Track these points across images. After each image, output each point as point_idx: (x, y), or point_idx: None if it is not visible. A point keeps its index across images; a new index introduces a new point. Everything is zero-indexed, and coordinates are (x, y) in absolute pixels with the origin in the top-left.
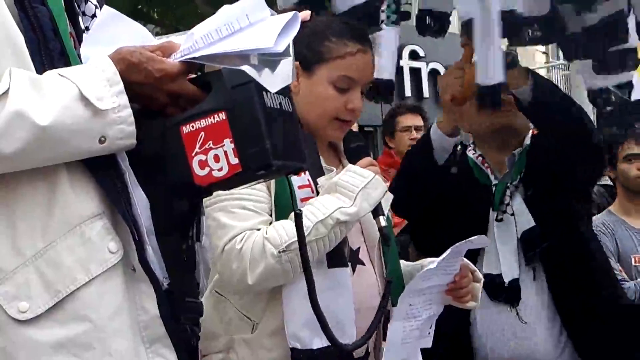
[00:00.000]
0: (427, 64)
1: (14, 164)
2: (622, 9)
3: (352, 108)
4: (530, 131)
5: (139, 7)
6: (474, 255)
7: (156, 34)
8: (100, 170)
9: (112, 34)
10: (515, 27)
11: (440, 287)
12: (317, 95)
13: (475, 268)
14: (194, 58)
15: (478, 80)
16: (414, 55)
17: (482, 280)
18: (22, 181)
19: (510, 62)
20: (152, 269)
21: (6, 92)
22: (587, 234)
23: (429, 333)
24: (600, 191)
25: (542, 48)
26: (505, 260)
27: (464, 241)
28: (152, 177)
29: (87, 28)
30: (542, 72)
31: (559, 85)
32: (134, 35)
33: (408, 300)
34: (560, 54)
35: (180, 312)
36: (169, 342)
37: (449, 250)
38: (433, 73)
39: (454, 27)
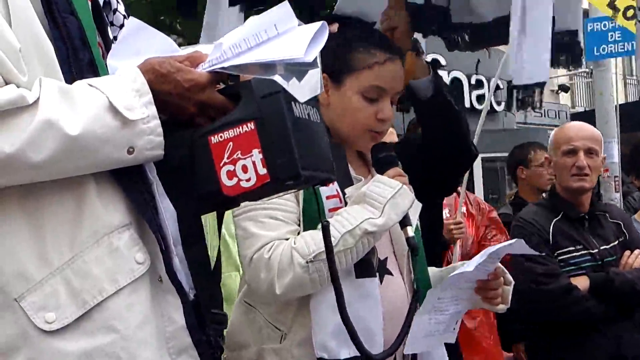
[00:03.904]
0: (449, 73)
1: (44, 173)
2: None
3: (383, 118)
4: None
5: (162, 17)
6: None
7: (179, 45)
8: (127, 180)
9: (138, 45)
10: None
11: (470, 284)
12: (347, 106)
13: (506, 271)
14: (223, 68)
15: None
16: (435, 64)
17: (513, 283)
18: (49, 192)
19: (415, 49)
20: (179, 279)
21: (36, 102)
22: None
23: (454, 329)
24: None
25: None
26: None
27: (502, 245)
28: (179, 187)
29: (115, 38)
30: (565, 80)
31: (581, 93)
32: (160, 46)
33: (437, 293)
34: (584, 62)
35: (205, 323)
36: (195, 353)
37: (487, 255)
38: (454, 82)
39: None
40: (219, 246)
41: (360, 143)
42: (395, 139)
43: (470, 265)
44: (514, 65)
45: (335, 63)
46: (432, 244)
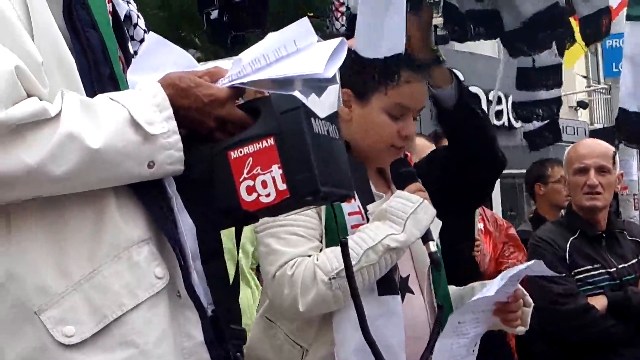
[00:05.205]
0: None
1: (65, 186)
2: (556, 1)
3: (406, 135)
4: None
5: (180, 32)
6: None
7: (198, 59)
8: (147, 195)
9: (157, 60)
10: (457, 22)
11: (490, 306)
12: (372, 123)
13: (526, 293)
14: (242, 83)
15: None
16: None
17: (532, 305)
18: (70, 206)
19: (437, 59)
20: (197, 294)
21: (58, 115)
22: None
23: (474, 351)
24: None
25: (582, 72)
26: None
27: (522, 267)
28: (199, 202)
29: (135, 53)
30: (583, 97)
31: (600, 109)
32: (179, 61)
33: (457, 317)
34: (602, 77)
35: (224, 338)
36: None
37: (507, 278)
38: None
39: (493, 49)
40: (237, 261)
41: (383, 158)
42: None
43: (490, 290)
44: (366, 41)
45: (361, 80)
46: (455, 259)
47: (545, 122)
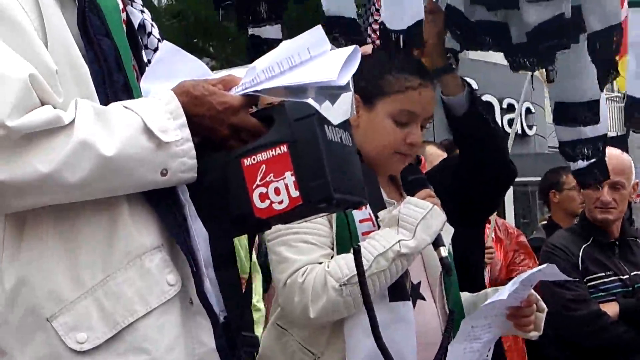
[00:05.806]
0: (480, 97)
1: (79, 193)
2: (562, 12)
3: (412, 142)
4: None
5: (195, 40)
6: None
7: (212, 68)
8: (160, 202)
9: (171, 68)
10: (460, 27)
11: (503, 311)
12: (377, 129)
13: (539, 298)
14: (256, 91)
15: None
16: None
17: (546, 310)
18: (84, 213)
19: (448, 67)
20: (209, 301)
21: (72, 122)
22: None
23: (487, 356)
24: None
25: None
26: None
27: (534, 271)
28: (211, 209)
29: (149, 61)
30: None
31: (614, 118)
32: (193, 69)
33: (470, 322)
34: (616, 86)
35: (236, 345)
36: None
37: (519, 282)
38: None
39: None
40: (250, 268)
41: (390, 165)
42: None
43: (503, 294)
44: (387, 10)
45: (368, 85)
46: (466, 267)
47: (592, 160)
